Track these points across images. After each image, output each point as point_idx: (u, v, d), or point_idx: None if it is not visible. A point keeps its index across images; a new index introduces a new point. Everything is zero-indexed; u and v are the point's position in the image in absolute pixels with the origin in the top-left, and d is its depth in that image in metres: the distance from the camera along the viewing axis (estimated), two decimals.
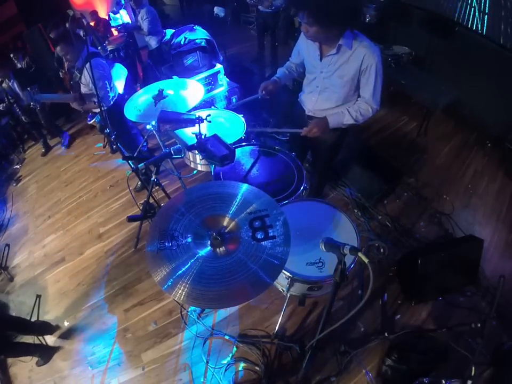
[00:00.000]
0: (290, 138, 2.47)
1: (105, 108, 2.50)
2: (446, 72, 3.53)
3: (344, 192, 2.79)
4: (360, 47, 1.53)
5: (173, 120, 1.70)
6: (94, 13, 5.28)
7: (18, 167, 4.28)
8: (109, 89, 2.52)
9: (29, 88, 2.35)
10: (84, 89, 2.51)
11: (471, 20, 3.24)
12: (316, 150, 2.09)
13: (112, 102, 2.57)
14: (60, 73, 4.12)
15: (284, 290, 1.56)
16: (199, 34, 3.66)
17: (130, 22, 5.46)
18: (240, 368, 1.88)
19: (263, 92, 1.85)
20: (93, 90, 2.17)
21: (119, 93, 2.70)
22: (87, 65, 2.25)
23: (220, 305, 1.08)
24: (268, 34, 4.62)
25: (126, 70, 3.42)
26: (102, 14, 5.91)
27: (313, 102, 1.84)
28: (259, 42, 4.89)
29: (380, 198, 2.67)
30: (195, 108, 2.20)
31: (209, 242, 1.20)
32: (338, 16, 1.40)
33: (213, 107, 2.43)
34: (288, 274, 1.40)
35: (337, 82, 1.67)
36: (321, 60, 1.65)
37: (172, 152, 1.77)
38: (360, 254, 0.95)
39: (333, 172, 2.81)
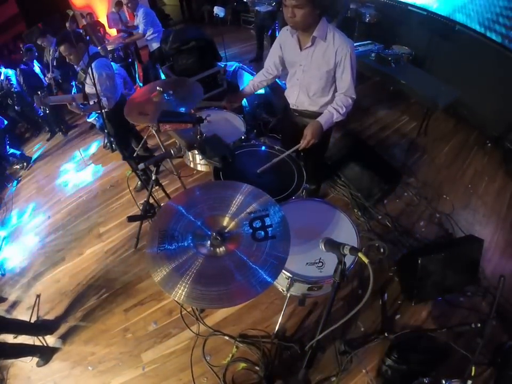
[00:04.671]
0: (282, 138, 2.53)
1: (106, 109, 2.51)
2: (446, 72, 3.54)
3: (344, 192, 2.79)
4: (334, 39, 1.59)
5: (172, 120, 1.70)
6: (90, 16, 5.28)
7: (18, 167, 4.29)
8: (114, 89, 2.52)
9: (39, 92, 2.36)
10: (88, 90, 2.52)
11: None
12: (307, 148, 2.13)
13: (115, 102, 2.58)
14: (46, 78, 4.14)
15: (283, 290, 1.56)
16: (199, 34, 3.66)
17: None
18: (240, 368, 1.87)
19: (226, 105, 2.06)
20: (98, 90, 2.17)
21: (121, 94, 2.70)
22: (92, 65, 2.25)
23: (220, 305, 1.08)
24: (266, 35, 4.63)
25: (124, 71, 3.43)
26: (102, 14, 5.92)
27: (295, 96, 1.91)
28: (258, 43, 4.90)
29: (379, 198, 2.66)
30: None
31: (209, 242, 1.20)
32: None
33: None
34: (288, 274, 1.39)
35: (315, 75, 1.73)
36: (301, 51, 1.71)
37: (172, 152, 1.77)
38: (360, 254, 0.95)
39: (328, 167, 2.82)
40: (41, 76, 4.37)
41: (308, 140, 1.71)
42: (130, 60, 4.62)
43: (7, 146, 4.14)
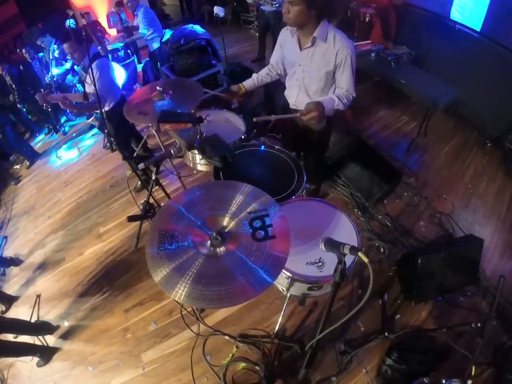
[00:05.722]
0: (282, 137, 2.53)
1: (105, 109, 2.51)
2: (446, 72, 3.53)
3: (344, 192, 2.79)
4: (335, 40, 1.59)
5: (172, 120, 1.69)
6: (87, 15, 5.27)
7: (18, 167, 4.29)
8: (113, 89, 2.53)
9: (41, 90, 2.37)
10: (88, 89, 2.52)
11: None
12: (306, 145, 2.14)
13: (115, 102, 2.58)
14: (46, 79, 4.14)
15: (283, 290, 1.55)
16: (198, 34, 3.66)
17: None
18: (240, 368, 1.88)
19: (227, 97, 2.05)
20: (99, 91, 2.17)
21: (120, 94, 2.71)
22: (93, 65, 2.26)
23: (220, 305, 1.08)
24: (269, 34, 4.64)
25: (124, 71, 3.44)
26: (102, 14, 5.92)
27: (294, 96, 1.91)
28: (261, 43, 4.90)
29: (380, 198, 2.67)
30: None
31: (209, 242, 1.20)
32: None
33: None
34: (288, 274, 1.39)
35: (315, 75, 1.73)
36: (300, 50, 1.70)
37: (172, 152, 1.77)
38: (360, 254, 0.95)
39: (328, 167, 2.82)
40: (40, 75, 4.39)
41: (308, 109, 1.56)
42: (130, 60, 4.62)
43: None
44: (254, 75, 2.06)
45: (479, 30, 3.23)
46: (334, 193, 2.82)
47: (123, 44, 4.46)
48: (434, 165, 3.10)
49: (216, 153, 1.67)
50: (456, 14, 3.45)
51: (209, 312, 2.14)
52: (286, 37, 1.76)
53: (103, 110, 2.33)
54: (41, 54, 4.48)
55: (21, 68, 4.12)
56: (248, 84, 2.04)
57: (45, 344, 2.20)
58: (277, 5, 4.11)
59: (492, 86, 3.18)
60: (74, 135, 4.49)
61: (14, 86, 4.04)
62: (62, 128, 4.58)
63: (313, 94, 1.82)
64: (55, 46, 4.18)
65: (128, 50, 4.63)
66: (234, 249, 1.18)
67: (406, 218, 2.61)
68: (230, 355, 1.92)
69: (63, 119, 4.65)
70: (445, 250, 2.02)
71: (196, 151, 1.95)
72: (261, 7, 4.40)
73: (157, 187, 2.06)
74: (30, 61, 4.31)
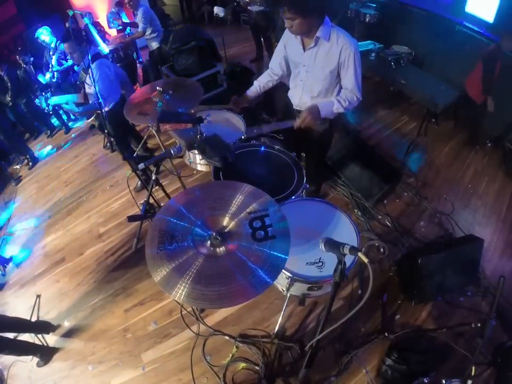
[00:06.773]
0: (283, 138, 2.53)
1: (105, 110, 2.51)
2: (446, 72, 3.53)
3: (344, 192, 2.79)
4: (338, 39, 1.59)
5: (172, 120, 1.69)
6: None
7: (18, 167, 4.29)
8: (113, 90, 2.53)
9: (43, 93, 2.38)
10: (88, 90, 2.52)
11: None
12: (308, 146, 2.14)
13: (115, 102, 2.59)
14: (45, 78, 4.14)
15: (284, 290, 1.56)
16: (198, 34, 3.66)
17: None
18: (240, 368, 1.87)
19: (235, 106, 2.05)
20: (97, 90, 2.18)
21: (120, 94, 2.71)
22: (93, 65, 2.26)
23: (220, 305, 1.08)
24: (264, 35, 4.62)
25: (123, 71, 3.43)
26: (102, 14, 5.92)
27: (298, 96, 1.91)
28: (257, 43, 4.91)
29: (380, 198, 2.67)
30: None
31: (209, 242, 1.20)
32: (315, 2, 1.48)
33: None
34: (288, 274, 1.40)
35: (318, 75, 1.72)
36: (304, 51, 1.70)
37: (172, 152, 1.77)
38: (360, 254, 0.95)
39: (328, 167, 2.82)
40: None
41: (303, 117, 1.67)
42: (130, 60, 4.62)
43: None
44: (256, 82, 2.05)
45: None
46: (334, 193, 2.82)
47: (123, 44, 4.46)
48: (434, 165, 3.10)
49: (216, 153, 1.67)
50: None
51: (209, 312, 2.14)
52: (290, 38, 1.75)
53: (103, 111, 2.34)
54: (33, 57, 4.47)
55: (20, 69, 4.11)
56: (251, 91, 2.04)
57: (45, 344, 2.20)
58: (264, 4, 4.08)
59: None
60: (74, 135, 4.49)
61: (9, 85, 4.01)
62: (63, 128, 4.59)
63: (316, 95, 1.81)
64: (59, 44, 4.16)
65: (128, 51, 4.63)
66: (234, 249, 1.18)
67: (406, 218, 2.61)
68: (230, 355, 1.92)
69: (64, 118, 4.65)
70: (445, 250, 2.02)
71: (196, 151, 1.95)
72: (248, 7, 4.38)
73: (157, 187, 2.06)
74: (25, 66, 4.31)
